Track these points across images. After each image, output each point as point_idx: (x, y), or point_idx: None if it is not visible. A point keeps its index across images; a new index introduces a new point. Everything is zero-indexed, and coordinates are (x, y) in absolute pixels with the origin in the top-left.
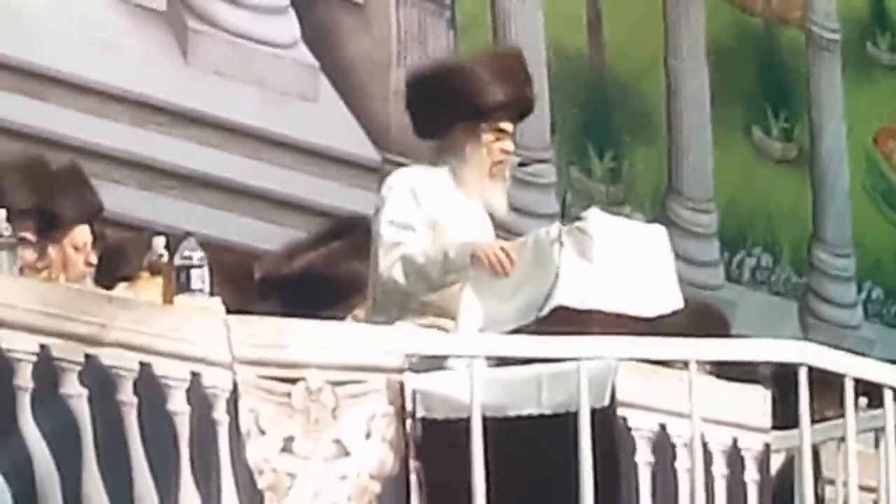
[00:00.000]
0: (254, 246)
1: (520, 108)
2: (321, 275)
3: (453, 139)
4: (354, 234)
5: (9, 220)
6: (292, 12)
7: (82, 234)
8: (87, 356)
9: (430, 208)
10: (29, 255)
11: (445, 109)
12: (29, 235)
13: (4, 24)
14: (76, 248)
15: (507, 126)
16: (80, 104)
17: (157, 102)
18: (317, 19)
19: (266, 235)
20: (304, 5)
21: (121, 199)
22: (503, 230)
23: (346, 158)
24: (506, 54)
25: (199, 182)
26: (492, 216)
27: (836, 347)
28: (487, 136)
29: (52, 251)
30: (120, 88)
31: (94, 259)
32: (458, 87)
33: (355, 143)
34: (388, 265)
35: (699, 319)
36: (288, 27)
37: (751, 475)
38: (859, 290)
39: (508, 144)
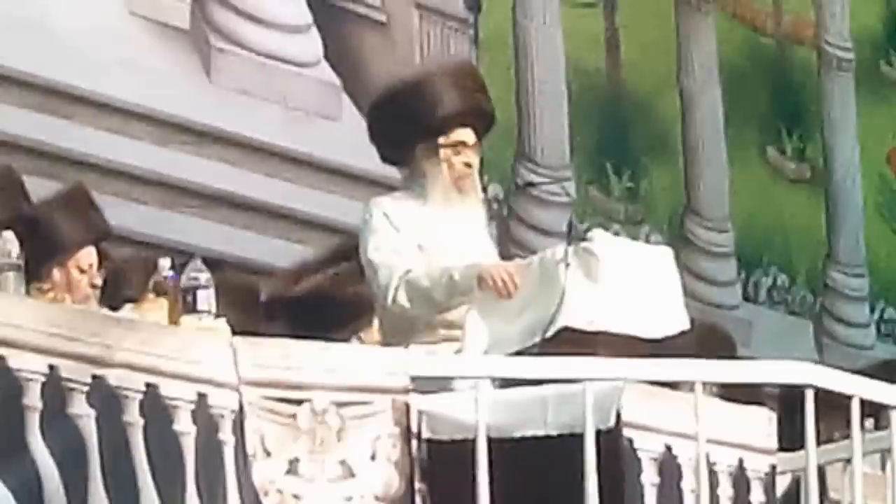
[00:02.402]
0: (275, 265)
1: (476, 118)
2: (328, 296)
3: (416, 159)
4: (359, 256)
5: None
6: (315, 31)
7: (88, 256)
8: (94, 377)
9: (409, 232)
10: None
11: (401, 130)
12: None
13: (29, 42)
14: (81, 270)
15: (466, 138)
16: (103, 122)
17: (179, 121)
18: (340, 38)
19: (288, 254)
20: (328, 24)
21: (143, 217)
22: (522, 248)
23: (368, 177)
24: (455, 65)
25: (221, 200)
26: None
27: (850, 369)
28: (446, 151)
29: (56, 273)
30: (143, 106)
31: (98, 281)
32: (409, 105)
33: (377, 161)
34: (391, 290)
35: (705, 341)
36: (311, 46)
37: (756, 497)
38: (872, 310)
39: (471, 157)
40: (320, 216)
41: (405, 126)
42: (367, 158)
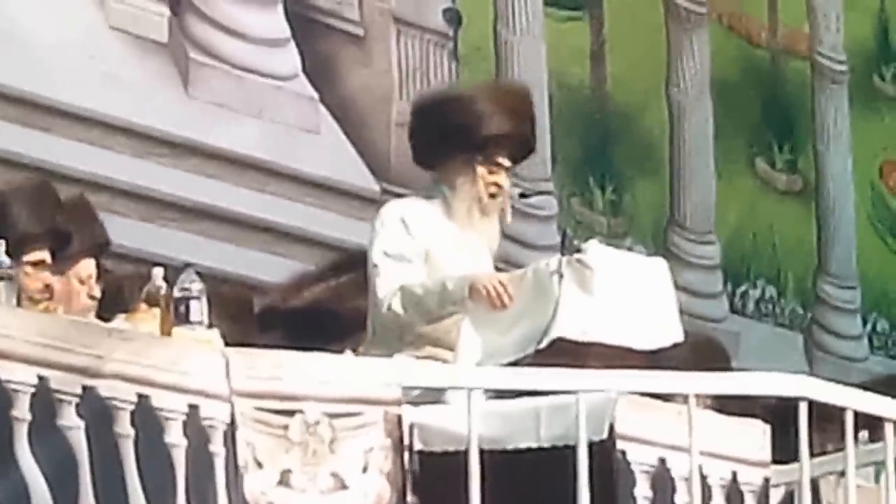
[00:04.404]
0: (254, 277)
1: (518, 145)
2: (326, 309)
3: (449, 169)
4: (360, 269)
5: (23, 246)
6: (293, 45)
7: (87, 267)
8: (84, 388)
9: (423, 239)
10: (47, 277)
11: (443, 138)
12: (45, 258)
13: (8, 55)
14: (80, 281)
15: (503, 161)
16: (82, 135)
17: (158, 134)
18: (318, 51)
19: (267, 267)
20: (306, 38)
21: (122, 230)
22: (504, 262)
23: (347, 190)
24: (511, 89)
25: (199, 213)
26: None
27: (844, 382)
28: (481, 169)
29: (56, 282)
30: (121, 120)
31: (97, 293)
32: (457, 117)
33: (355, 174)
34: (387, 296)
35: (700, 353)
36: (289, 59)
37: None
38: (864, 322)
39: (503, 180)
40: (299, 229)
41: (449, 135)
42: (345, 171)
